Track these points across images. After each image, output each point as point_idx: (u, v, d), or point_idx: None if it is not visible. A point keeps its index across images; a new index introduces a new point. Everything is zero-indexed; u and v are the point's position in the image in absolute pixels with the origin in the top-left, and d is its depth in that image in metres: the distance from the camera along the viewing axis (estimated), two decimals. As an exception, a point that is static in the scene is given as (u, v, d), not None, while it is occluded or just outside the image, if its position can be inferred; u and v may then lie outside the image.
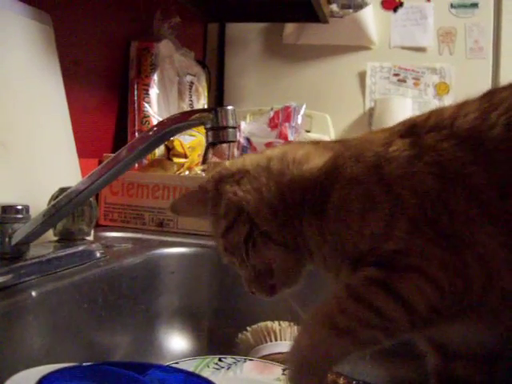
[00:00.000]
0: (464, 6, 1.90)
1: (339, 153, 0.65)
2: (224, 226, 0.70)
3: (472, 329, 0.62)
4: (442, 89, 1.90)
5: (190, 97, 1.68)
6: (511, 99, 0.57)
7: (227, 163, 0.74)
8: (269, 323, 0.98)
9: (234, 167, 0.72)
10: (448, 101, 1.83)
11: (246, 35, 2.07)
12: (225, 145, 0.77)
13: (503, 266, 0.54)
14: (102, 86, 1.44)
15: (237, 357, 0.90)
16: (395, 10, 1.96)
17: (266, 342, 0.96)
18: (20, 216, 0.85)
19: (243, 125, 1.63)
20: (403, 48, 1.95)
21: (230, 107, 0.74)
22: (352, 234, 0.60)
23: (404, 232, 0.56)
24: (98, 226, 1.26)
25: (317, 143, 0.71)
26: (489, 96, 0.59)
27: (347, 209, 0.60)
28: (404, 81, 1.95)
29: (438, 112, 0.62)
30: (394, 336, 0.57)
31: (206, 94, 1.78)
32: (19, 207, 0.86)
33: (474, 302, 0.56)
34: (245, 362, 0.89)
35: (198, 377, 0.61)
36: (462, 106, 0.60)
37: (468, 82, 1.83)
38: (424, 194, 0.56)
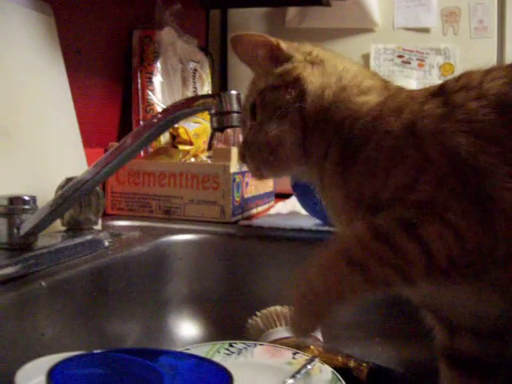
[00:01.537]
0: (467, -15, 1.88)
1: (389, 100, 0.66)
2: (271, 82, 0.71)
3: (478, 304, 0.62)
4: (446, 69, 1.89)
5: (194, 84, 1.68)
6: None
7: (309, 45, 0.77)
8: (278, 307, 0.98)
9: (316, 52, 0.75)
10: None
11: (249, 20, 2.06)
12: (230, 130, 0.77)
13: None
14: (105, 75, 1.43)
15: (247, 342, 0.90)
16: (398, -10, 1.95)
17: (276, 326, 0.97)
18: (27, 207, 0.85)
19: (247, 110, 1.62)
20: (407, 29, 1.94)
21: (233, 92, 0.74)
22: (375, 184, 0.61)
23: (429, 185, 0.57)
24: (106, 215, 1.26)
25: (382, 81, 0.73)
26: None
27: (377, 158, 0.61)
28: (408, 62, 1.93)
29: (467, 74, 0.63)
30: (407, 279, 0.57)
31: (209, 80, 1.78)
32: (26, 198, 0.86)
33: (497, 265, 0.56)
34: (255, 346, 0.89)
35: (210, 362, 0.61)
36: (488, 72, 0.61)
37: (473, 62, 1.79)
38: (453, 150, 0.57)
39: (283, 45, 0.74)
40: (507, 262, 0.56)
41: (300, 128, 0.68)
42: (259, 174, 0.74)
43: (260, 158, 0.71)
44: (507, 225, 0.54)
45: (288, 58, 0.73)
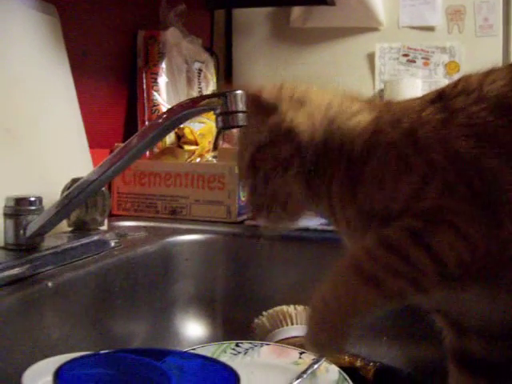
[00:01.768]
0: (472, -17, 1.88)
1: (382, 115, 0.66)
2: (264, 139, 0.70)
3: (489, 306, 0.62)
4: (452, 68, 1.88)
5: (199, 84, 1.67)
6: None
7: (291, 84, 0.75)
8: (284, 307, 0.98)
9: (298, 91, 0.73)
10: (459, 80, 1.81)
11: (253, 20, 2.06)
12: (235, 130, 0.77)
13: None
14: (110, 75, 1.44)
15: (254, 342, 0.90)
16: (403, -11, 1.94)
17: (282, 326, 0.97)
18: (33, 208, 0.85)
19: (253, 110, 1.62)
20: (412, 28, 1.93)
21: (239, 91, 0.73)
22: (385, 195, 0.61)
23: (436, 192, 0.57)
24: (112, 216, 1.26)
25: (368, 101, 0.72)
26: None
27: (383, 171, 0.61)
28: (413, 61, 1.93)
29: (465, 78, 0.63)
30: (420, 289, 0.57)
31: (214, 80, 1.77)
32: (32, 199, 0.86)
33: (509, 267, 0.56)
34: (262, 346, 0.89)
35: (217, 362, 0.61)
36: (488, 74, 0.61)
37: (478, 60, 1.80)
38: (456, 154, 0.57)
39: (266, 95, 0.73)
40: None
41: (304, 175, 0.69)
42: (277, 228, 0.74)
43: (272, 216, 0.72)
44: None
45: (274, 108, 0.71)
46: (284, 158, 0.68)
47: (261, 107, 0.72)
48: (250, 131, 0.74)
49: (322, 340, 0.61)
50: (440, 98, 0.62)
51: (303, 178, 0.69)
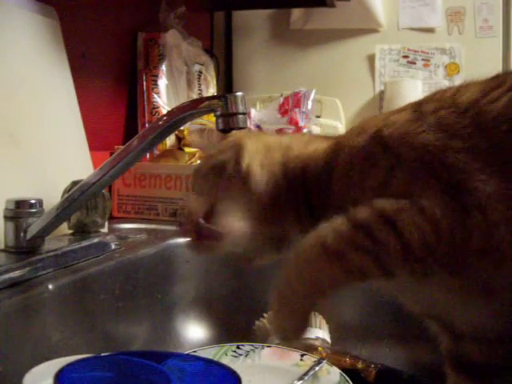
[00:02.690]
0: (472, -16, 1.88)
1: (340, 138, 0.69)
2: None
3: (476, 311, 0.62)
4: (452, 69, 1.88)
5: (199, 86, 1.68)
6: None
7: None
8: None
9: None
10: (458, 81, 1.81)
11: (253, 22, 2.06)
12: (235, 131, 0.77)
13: (502, 223, 0.54)
14: (110, 78, 1.44)
15: (255, 344, 0.90)
16: (403, -9, 1.94)
17: (284, 328, 0.96)
18: (34, 210, 0.85)
19: (253, 112, 1.63)
20: (412, 29, 1.93)
21: (239, 93, 0.73)
22: (355, 192, 0.62)
23: (403, 181, 0.58)
24: (112, 218, 1.26)
25: (317, 136, 0.78)
26: (495, 78, 0.62)
27: (350, 170, 0.63)
28: (414, 62, 1.93)
29: (442, 90, 0.65)
30: (384, 268, 0.57)
31: (214, 82, 1.78)
32: (33, 201, 0.86)
33: (474, 256, 0.56)
34: (263, 348, 0.89)
35: (218, 364, 0.61)
36: (465, 85, 0.63)
37: (478, 61, 1.81)
38: (422, 147, 0.58)
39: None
40: (482, 256, 0.55)
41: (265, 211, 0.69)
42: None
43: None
44: (482, 220, 0.54)
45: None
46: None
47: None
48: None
49: (286, 322, 0.60)
50: (412, 105, 0.64)
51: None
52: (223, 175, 0.70)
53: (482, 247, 0.55)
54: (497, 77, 0.62)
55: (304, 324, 0.62)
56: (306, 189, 0.68)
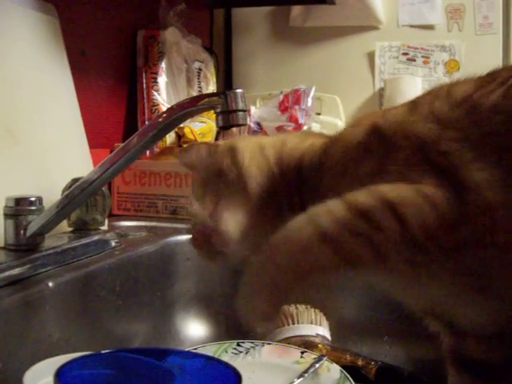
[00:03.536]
0: (472, -19, 1.88)
1: (337, 133, 0.69)
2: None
3: (475, 308, 0.62)
4: (452, 66, 1.88)
5: (199, 83, 1.67)
6: (507, 75, 0.59)
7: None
8: (285, 307, 0.98)
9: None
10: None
11: (253, 20, 2.05)
12: (235, 128, 0.77)
13: (500, 207, 0.53)
14: (110, 75, 1.43)
15: (255, 341, 0.90)
16: (402, -12, 1.94)
17: (284, 325, 0.96)
18: (34, 208, 0.85)
19: (253, 109, 1.62)
20: (412, 26, 1.93)
21: (239, 90, 0.73)
22: (347, 180, 0.61)
23: (399, 166, 0.58)
24: (112, 216, 1.26)
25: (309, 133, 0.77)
26: (489, 74, 0.61)
27: (344, 160, 0.63)
28: (413, 59, 1.93)
29: (439, 86, 0.64)
30: (380, 254, 0.54)
31: (214, 80, 1.77)
32: (32, 199, 0.86)
33: (469, 245, 0.55)
34: (263, 346, 0.89)
35: (218, 361, 0.61)
36: (457, 82, 0.63)
37: (478, 58, 1.81)
38: (416, 136, 0.58)
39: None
40: (480, 245, 0.55)
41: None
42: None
43: None
44: (481, 202, 0.53)
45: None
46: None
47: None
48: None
49: (258, 302, 0.58)
50: (410, 101, 0.64)
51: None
52: (223, 181, 0.70)
53: (479, 236, 0.54)
54: (491, 73, 0.62)
55: (279, 306, 0.60)
56: (301, 182, 0.67)
